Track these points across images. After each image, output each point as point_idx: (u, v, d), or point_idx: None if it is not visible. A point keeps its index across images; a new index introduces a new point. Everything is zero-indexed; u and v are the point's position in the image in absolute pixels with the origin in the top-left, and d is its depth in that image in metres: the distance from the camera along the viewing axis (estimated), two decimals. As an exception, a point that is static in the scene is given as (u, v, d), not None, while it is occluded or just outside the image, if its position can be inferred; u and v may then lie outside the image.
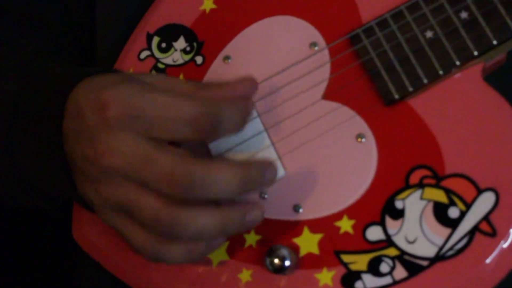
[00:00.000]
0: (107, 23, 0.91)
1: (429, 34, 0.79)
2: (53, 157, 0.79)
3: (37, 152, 0.80)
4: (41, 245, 1.06)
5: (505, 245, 0.75)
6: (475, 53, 0.78)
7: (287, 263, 0.78)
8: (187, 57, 0.86)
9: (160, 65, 0.87)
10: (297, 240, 0.80)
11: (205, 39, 0.86)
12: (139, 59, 0.88)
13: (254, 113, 0.82)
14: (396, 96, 0.79)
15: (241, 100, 0.76)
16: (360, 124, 0.80)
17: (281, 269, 0.78)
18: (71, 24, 0.95)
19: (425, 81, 0.79)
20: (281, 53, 0.83)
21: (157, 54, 0.87)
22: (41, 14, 0.93)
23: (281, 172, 0.81)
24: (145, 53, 0.88)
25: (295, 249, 0.80)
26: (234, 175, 0.72)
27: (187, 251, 0.75)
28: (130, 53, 0.88)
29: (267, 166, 0.74)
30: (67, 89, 0.79)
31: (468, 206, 0.76)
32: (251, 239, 0.81)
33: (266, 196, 0.81)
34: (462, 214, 0.76)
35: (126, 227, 0.76)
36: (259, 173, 0.74)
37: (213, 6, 0.86)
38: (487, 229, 0.76)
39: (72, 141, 0.78)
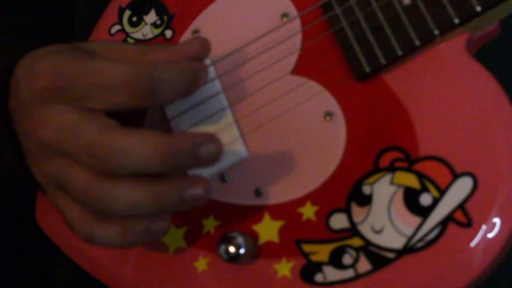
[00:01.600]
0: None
1: (406, 1, 0.71)
2: (3, 140, 0.75)
3: None
4: (21, 244, 1.02)
5: (480, 238, 0.65)
6: (456, 21, 0.69)
7: (241, 251, 0.71)
8: (157, 31, 0.81)
9: (130, 40, 0.82)
10: (256, 227, 0.72)
11: (176, 12, 0.80)
12: (110, 34, 0.83)
13: (218, 87, 0.75)
14: (368, 70, 0.71)
15: (186, 61, 0.69)
16: (328, 101, 0.72)
17: (235, 258, 0.71)
18: (49, 3, 0.90)
19: (400, 52, 0.70)
20: (251, 25, 0.76)
21: (128, 28, 0.82)
22: None
23: (243, 152, 0.74)
24: (116, 27, 0.82)
25: (254, 236, 0.72)
26: (156, 147, 0.65)
27: (121, 232, 0.68)
28: (101, 27, 0.84)
29: (204, 141, 0.66)
30: (9, 66, 0.76)
31: (442, 192, 0.67)
32: (209, 224, 0.74)
33: (226, 178, 0.74)
34: (435, 202, 0.67)
35: (64, 204, 0.71)
36: (189, 147, 0.66)
37: None
38: (462, 218, 0.66)
39: (15, 118, 0.75)
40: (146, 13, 0.82)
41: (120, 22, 0.83)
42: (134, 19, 0.82)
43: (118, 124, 0.68)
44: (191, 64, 0.69)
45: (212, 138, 0.67)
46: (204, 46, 0.71)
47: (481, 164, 0.67)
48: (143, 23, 0.82)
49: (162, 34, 0.81)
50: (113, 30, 0.83)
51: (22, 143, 0.74)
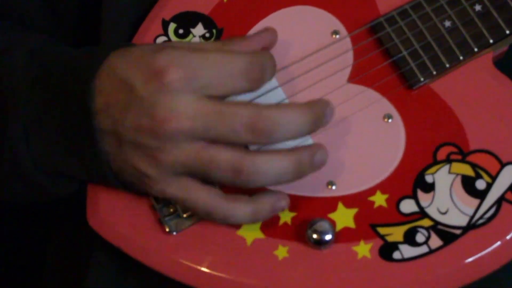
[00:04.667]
0: (114, 12, 0.90)
1: (447, 23, 0.87)
2: (80, 135, 0.78)
3: (61, 131, 0.79)
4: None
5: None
6: (491, 41, 0.86)
7: (328, 236, 0.82)
8: (208, 43, 0.88)
9: None
10: (332, 216, 0.83)
11: (224, 26, 0.88)
12: (156, 45, 0.88)
13: (283, 95, 0.85)
14: (422, 79, 0.86)
15: (266, 50, 0.81)
16: (386, 106, 0.86)
17: (322, 242, 0.82)
18: (77, 13, 0.93)
19: (447, 65, 0.86)
20: (303, 41, 0.87)
21: (175, 39, 0.88)
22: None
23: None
24: (162, 38, 0.88)
25: (331, 223, 0.83)
26: (306, 116, 0.77)
27: (254, 211, 0.77)
28: (145, 38, 0.88)
29: (326, 106, 0.80)
30: (94, 65, 0.78)
31: (493, 178, 0.84)
32: (286, 216, 0.84)
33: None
34: (489, 186, 0.84)
35: (192, 191, 0.76)
36: (322, 113, 0.78)
37: None
38: (513, 198, 0.84)
39: (115, 116, 0.77)
40: (193, 26, 0.89)
41: (166, 34, 0.89)
42: (181, 31, 0.89)
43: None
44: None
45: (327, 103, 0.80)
46: (273, 34, 0.83)
47: (522, 154, 0.85)
48: (191, 35, 0.89)
49: (213, 46, 0.89)
50: (159, 40, 0.89)
51: (125, 139, 0.77)
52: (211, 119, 0.74)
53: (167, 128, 0.74)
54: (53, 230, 0.96)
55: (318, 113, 0.77)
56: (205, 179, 0.78)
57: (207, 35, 0.87)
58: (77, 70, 0.78)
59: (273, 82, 0.85)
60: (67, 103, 0.78)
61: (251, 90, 0.79)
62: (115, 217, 0.83)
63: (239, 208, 0.77)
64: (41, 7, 0.91)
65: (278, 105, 0.78)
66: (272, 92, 0.85)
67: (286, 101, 0.85)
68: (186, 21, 0.87)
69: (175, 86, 0.74)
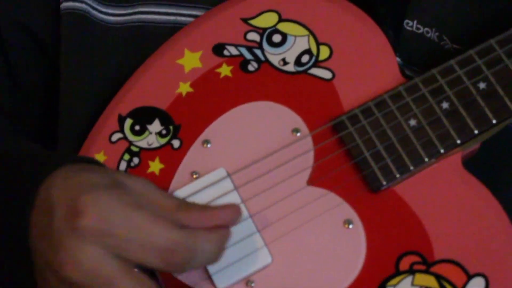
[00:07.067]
0: (71, 104, 0.88)
1: (412, 122, 0.82)
2: (16, 248, 0.75)
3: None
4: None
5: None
6: (458, 141, 0.81)
7: None
8: (163, 141, 0.85)
9: (133, 148, 0.85)
10: (288, 328, 0.80)
11: (182, 122, 0.85)
12: (111, 142, 0.86)
13: (238, 199, 0.82)
14: (384, 183, 0.81)
15: (223, 229, 0.74)
16: (347, 210, 0.81)
17: None
18: (30, 108, 0.90)
19: (411, 168, 0.81)
20: (262, 138, 0.83)
21: (130, 136, 0.85)
22: None
23: (268, 259, 0.81)
24: (117, 135, 0.85)
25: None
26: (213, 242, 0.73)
27: None
28: (100, 135, 0.86)
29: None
30: (40, 176, 0.76)
31: (459, 291, 0.79)
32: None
33: (253, 284, 0.81)
34: (454, 300, 0.79)
35: None
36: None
37: (190, 89, 0.85)
38: (479, 313, 0.79)
39: (37, 236, 0.74)
40: (150, 123, 0.86)
41: (122, 130, 0.86)
42: (137, 127, 0.86)
43: (155, 283, 0.72)
44: (226, 234, 0.75)
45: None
46: (237, 213, 0.77)
47: (490, 265, 0.80)
48: (147, 132, 0.86)
49: (169, 143, 0.86)
50: (114, 138, 0.86)
51: (38, 264, 0.74)
52: (98, 283, 0.69)
53: (62, 272, 0.71)
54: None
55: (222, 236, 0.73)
56: None
57: (164, 132, 0.84)
58: (20, 181, 0.76)
59: (229, 184, 0.82)
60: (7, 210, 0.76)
61: (167, 271, 0.75)
62: None
63: None
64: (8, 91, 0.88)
65: None
66: (228, 196, 0.82)
67: (242, 205, 0.81)
68: (143, 117, 0.85)
69: (85, 234, 0.70)
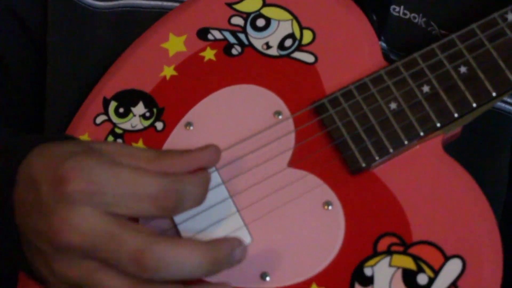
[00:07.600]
0: (58, 88, 0.89)
1: (393, 105, 0.82)
2: (2, 229, 0.76)
3: None
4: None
5: (472, 310, 0.78)
6: (438, 125, 0.82)
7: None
8: (147, 123, 0.86)
9: (117, 130, 0.86)
10: (265, 309, 0.80)
11: (166, 105, 0.85)
12: (95, 124, 0.87)
13: (218, 179, 0.82)
14: (363, 165, 0.81)
15: (203, 172, 0.74)
16: (326, 192, 0.82)
17: None
18: (17, 93, 0.91)
19: (391, 150, 0.82)
20: (245, 121, 0.84)
21: (115, 119, 0.86)
22: None
23: (247, 239, 0.82)
24: (102, 117, 0.86)
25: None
26: (203, 257, 0.70)
27: None
28: (84, 117, 0.87)
29: (236, 246, 0.73)
30: (18, 157, 0.76)
31: (436, 272, 0.79)
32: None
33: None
34: (431, 281, 0.79)
35: None
36: (228, 254, 0.72)
37: (174, 73, 0.86)
38: (455, 294, 0.79)
39: (23, 214, 0.74)
40: (134, 105, 0.87)
41: (106, 113, 0.87)
42: (121, 110, 0.87)
43: (154, 231, 0.72)
44: (208, 175, 0.76)
45: (240, 241, 0.75)
46: (216, 153, 0.77)
47: (467, 247, 0.80)
48: (131, 115, 0.87)
49: (152, 125, 0.87)
50: (99, 120, 0.87)
51: (28, 239, 0.74)
52: (100, 240, 0.69)
53: (58, 239, 0.71)
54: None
55: (221, 254, 0.71)
56: None
57: (147, 114, 0.85)
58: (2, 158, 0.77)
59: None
60: None
61: (161, 217, 0.75)
62: None
63: None
64: None
65: (174, 241, 0.70)
66: None
67: (222, 186, 0.82)
68: (127, 99, 0.86)
69: (74, 197, 0.70)
